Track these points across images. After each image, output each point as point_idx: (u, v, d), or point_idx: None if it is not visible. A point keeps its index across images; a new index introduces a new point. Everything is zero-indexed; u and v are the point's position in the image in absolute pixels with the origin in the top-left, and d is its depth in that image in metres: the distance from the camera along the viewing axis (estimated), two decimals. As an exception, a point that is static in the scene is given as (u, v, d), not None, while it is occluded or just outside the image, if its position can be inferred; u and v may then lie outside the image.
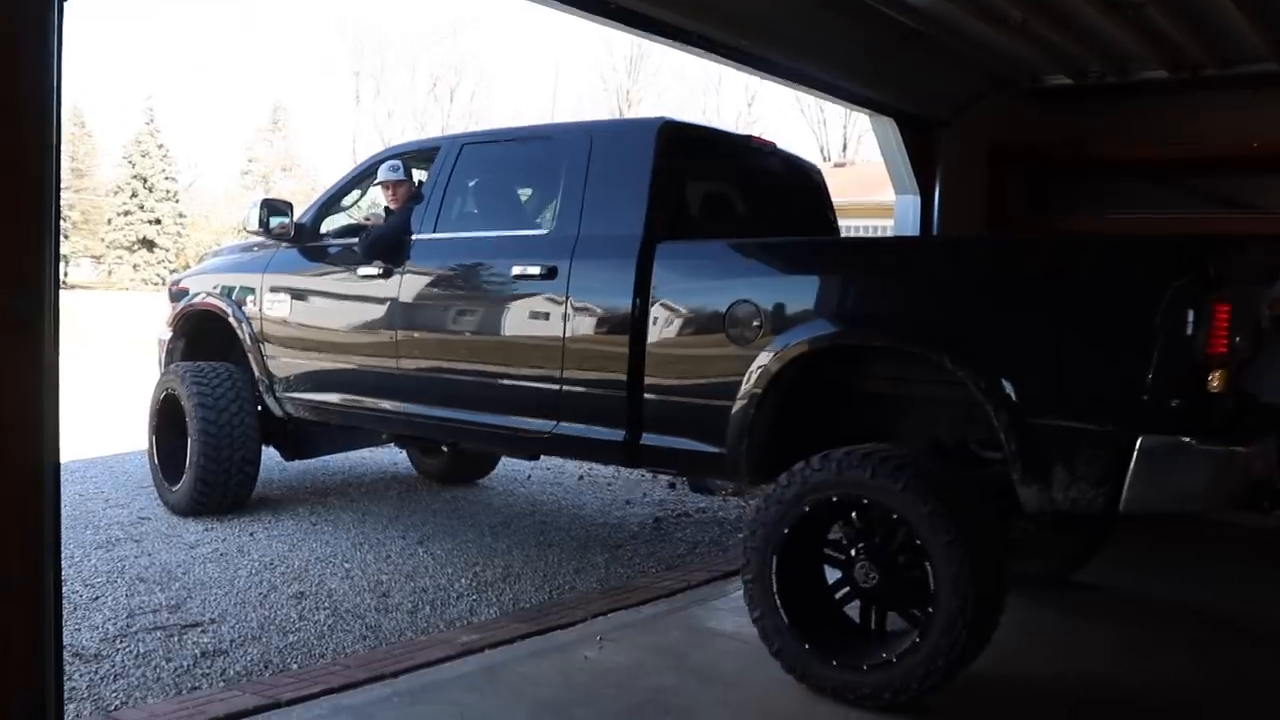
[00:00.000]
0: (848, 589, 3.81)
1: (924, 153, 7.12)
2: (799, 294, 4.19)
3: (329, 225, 6.34)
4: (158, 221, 50.91)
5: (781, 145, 5.55)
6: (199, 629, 4.52)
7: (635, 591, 5.01)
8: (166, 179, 52.01)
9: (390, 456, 8.46)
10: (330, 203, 6.34)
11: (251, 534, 6.07)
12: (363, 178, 6.28)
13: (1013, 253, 3.98)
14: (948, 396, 3.90)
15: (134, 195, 50.90)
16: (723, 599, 4.93)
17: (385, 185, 6.00)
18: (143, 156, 51.22)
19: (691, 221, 4.89)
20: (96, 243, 52.14)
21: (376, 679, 3.84)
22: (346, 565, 5.51)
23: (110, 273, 51.27)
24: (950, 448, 4.11)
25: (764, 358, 4.06)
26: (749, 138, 5.68)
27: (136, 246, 50.78)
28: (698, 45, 5.20)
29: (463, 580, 5.34)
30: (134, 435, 9.23)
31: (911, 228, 7.22)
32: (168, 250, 50.88)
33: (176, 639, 4.39)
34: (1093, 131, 6.98)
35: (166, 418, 6.61)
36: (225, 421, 6.26)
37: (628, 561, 5.87)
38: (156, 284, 50.41)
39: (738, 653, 4.23)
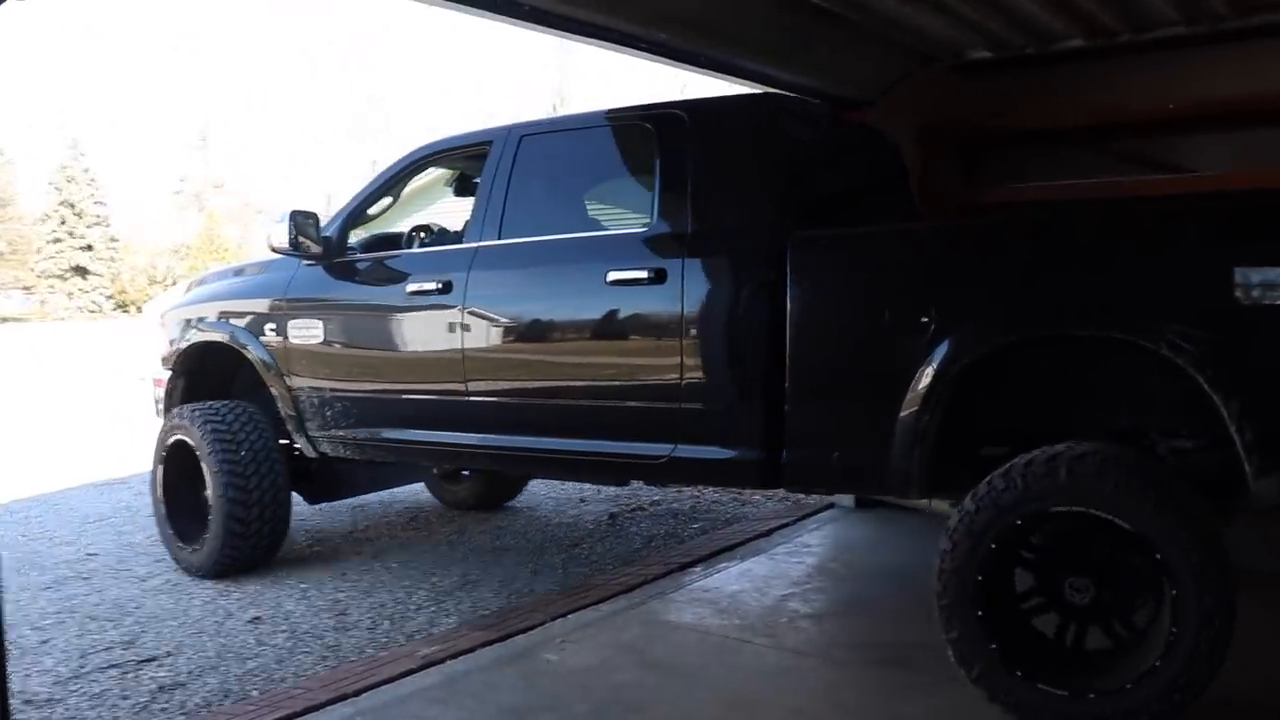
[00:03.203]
0: (1040, 604, 3.50)
1: (854, 134, 7.16)
2: (980, 282, 3.69)
3: (358, 237, 5.65)
4: (89, 248, 50.12)
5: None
6: (155, 663, 4.46)
7: (593, 590, 5.02)
8: (96, 203, 51.12)
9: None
10: (357, 212, 5.57)
11: (204, 561, 5.97)
12: (394, 183, 5.55)
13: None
14: (1136, 385, 3.58)
15: (63, 222, 50.06)
16: (680, 591, 4.96)
17: None
18: (69, 182, 50.35)
19: (813, 207, 4.41)
20: (26, 273, 51.18)
21: (339, 699, 3.83)
22: (302, 585, 5.46)
23: (43, 302, 50.34)
24: (1131, 439, 3.69)
25: (941, 356, 3.58)
26: (838, 112, 5.18)
27: (69, 274, 49.97)
28: (617, 41, 5.16)
29: (421, 591, 5.32)
30: (76, 470, 9.10)
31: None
32: (102, 276, 50.04)
33: (132, 675, 4.32)
34: (1017, 102, 7.05)
35: (175, 469, 5.84)
36: (252, 469, 5.51)
37: (585, 560, 5.87)
38: (94, 311, 49.52)
39: (698, 644, 4.26)
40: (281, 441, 5.73)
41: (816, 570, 5.33)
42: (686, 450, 4.22)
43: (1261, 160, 6.08)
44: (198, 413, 5.68)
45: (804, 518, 6.29)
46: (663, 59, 5.57)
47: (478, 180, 5.14)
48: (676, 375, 4.20)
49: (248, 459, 5.51)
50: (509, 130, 5.04)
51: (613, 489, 7.60)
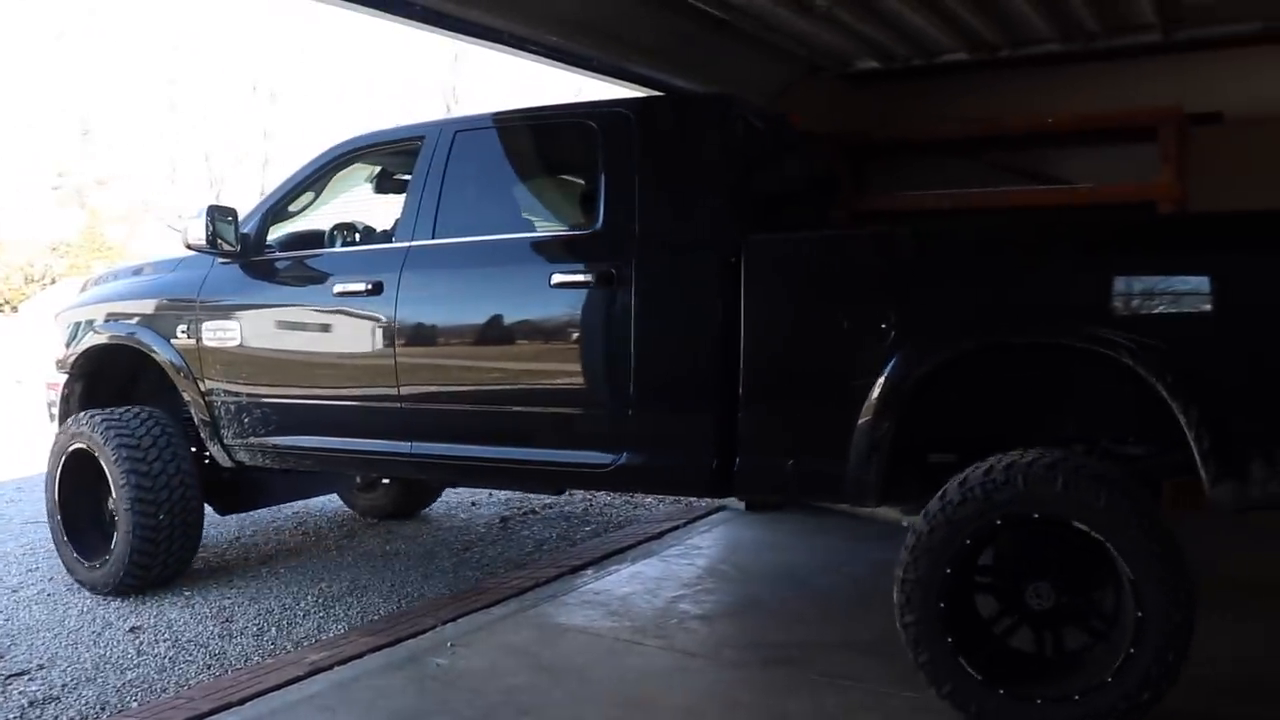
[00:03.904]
0: (1004, 613, 3.49)
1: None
2: (941, 288, 3.67)
3: (275, 235, 5.33)
4: (-39, 246, 47.89)
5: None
6: (25, 677, 4.31)
7: (484, 593, 5.00)
8: (-33, 199, 48.93)
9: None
10: (277, 209, 5.26)
11: (81, 569, 5.78)
12: (317, 178, 5.26)
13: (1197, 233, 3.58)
14: (1091, 391, 3.63)
15: (-69, 219, 47.74)
16: (572, 594, 4.98)
17: None
18: (-63, 177, 48.06)
19: (764, 210, 4.39)
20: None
21: (223, 708, 3.76)
22: (186, 593, 5.33)
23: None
24: (1084, 445, 3.73)
25: (900, 362, 3.57)
26: (785, 115, 5.12)
27: (-61, 274, 47.68)
28: (509, 44, 5.15)
29: (309, 598, 5.24)
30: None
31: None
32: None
33: (1, 690, 4.17)
34: (904, 113, 7.25)
35: (72, 479, 5.50)
36: (163, 480, 5.19)
37: (476, 564, 5.85)
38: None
39: (589, 646, 4.29)
40: (191, 450, 5.45)
41: (707, 572, 5.40)
42: (634, 458, 4.11)
43: (1129, 174, 6.36)
44: (101, 419, 5.33)
45: (695, 520, 6.36)
46: (555, 62, 5.60)
47: (407, 177, 5.00)
48: (625, 381, 4.09)
49: (157, 469, 5.20)
50: (442, 125, 4.86)
51: (504, 493, 7.58)
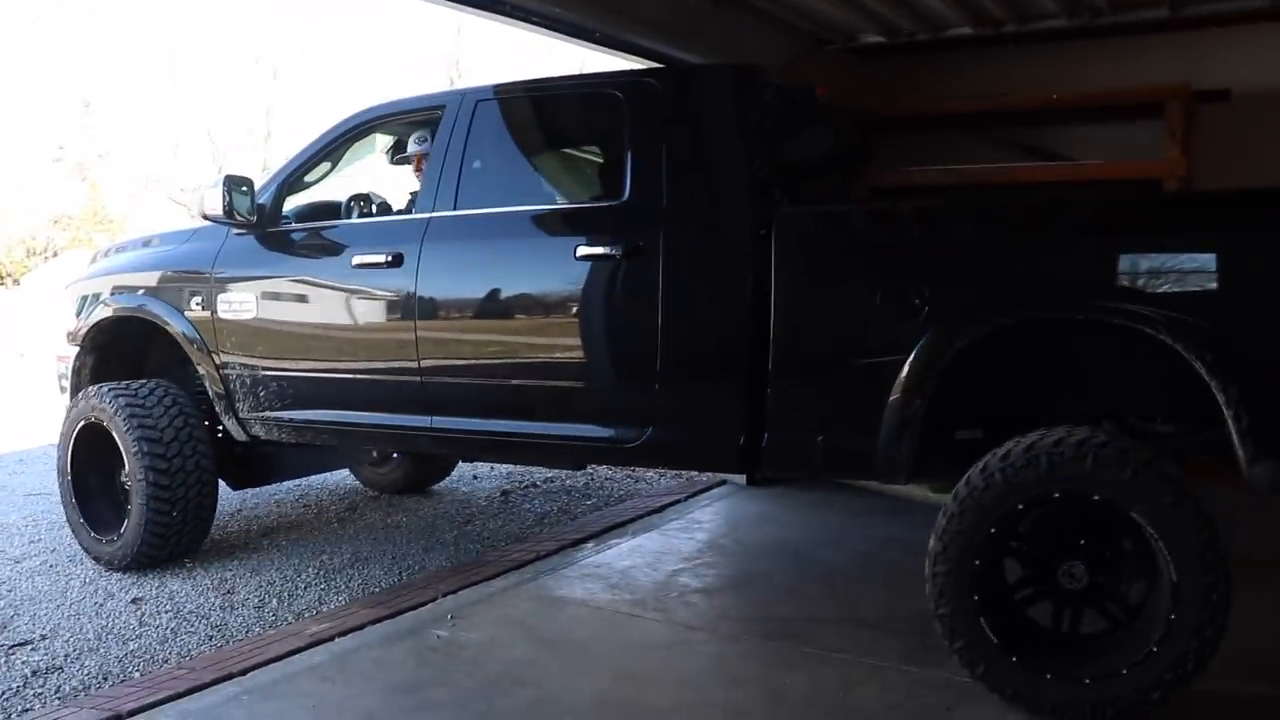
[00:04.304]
0: (1031, 592, 3.46)
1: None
2: (977, 263, 3.63)
3: (290, 206, 5.24)
4: (-38, 218, 47.87)
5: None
6: (29, 647, 4.33)
7: (485, 566, 5.02)
8: (-32, 171, 48.87)
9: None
10: (293, 179, 5.17)
11: (84, 541, 5.79)
12: (333, 148, 5.14)
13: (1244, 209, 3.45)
14: (1120, 368, 3.59)
15: (-68, 191, 47.71)
16: (572, 567, 4.99)
17: (416, 161, 5.11)
18: (-62, 149, 47.98)
19: (790, 183, 4.31)
20: (-106, 246, 48.68)
21: (224, 679, 3.77)
22: (188, 564, 5.34)
23: (-86, 277, 48.00)
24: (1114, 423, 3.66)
25: (935, 338, 3.50)
26: (810, 86, 5.00)
27: (-60, 247, 47.67)
28: (510, 15, 5.11)
29: (310, 569, 5.25)
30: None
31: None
32: (-23, 248, 47.89)
33: (4, 660, 4.19)
34: (909, 88, 7.22)
35: (85, 454, 5.45)
36: (176, 452, 5.13)
37: (477, 537, 5.86)
38: (-32, 285, 47.32)
39: (588, 619, 4.30)
40: (205, 424, 5.38)
41: (708, 546, 5.41)
42: (659, 433, 4.07)
43: (1134, 151, 6.33)
44: (115, 393, 5.25)
45: (697, 494, 6.37)
46: (556, 34, 5.56)
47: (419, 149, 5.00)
48: (651, 355, 4.03)
49: (172, 443, 5.14)
50: (464, 95, 4.76)
51: (505, 466, 7.58)
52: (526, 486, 7.07)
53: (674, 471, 6.81)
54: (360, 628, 4.22)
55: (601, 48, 5.92)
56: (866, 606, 4.36)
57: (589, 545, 5.36)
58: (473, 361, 4.51)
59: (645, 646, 4.03)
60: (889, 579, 4.73)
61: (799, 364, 3.82)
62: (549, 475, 7.31)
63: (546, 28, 5.42)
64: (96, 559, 5.39)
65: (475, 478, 7.36)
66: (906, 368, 3.53)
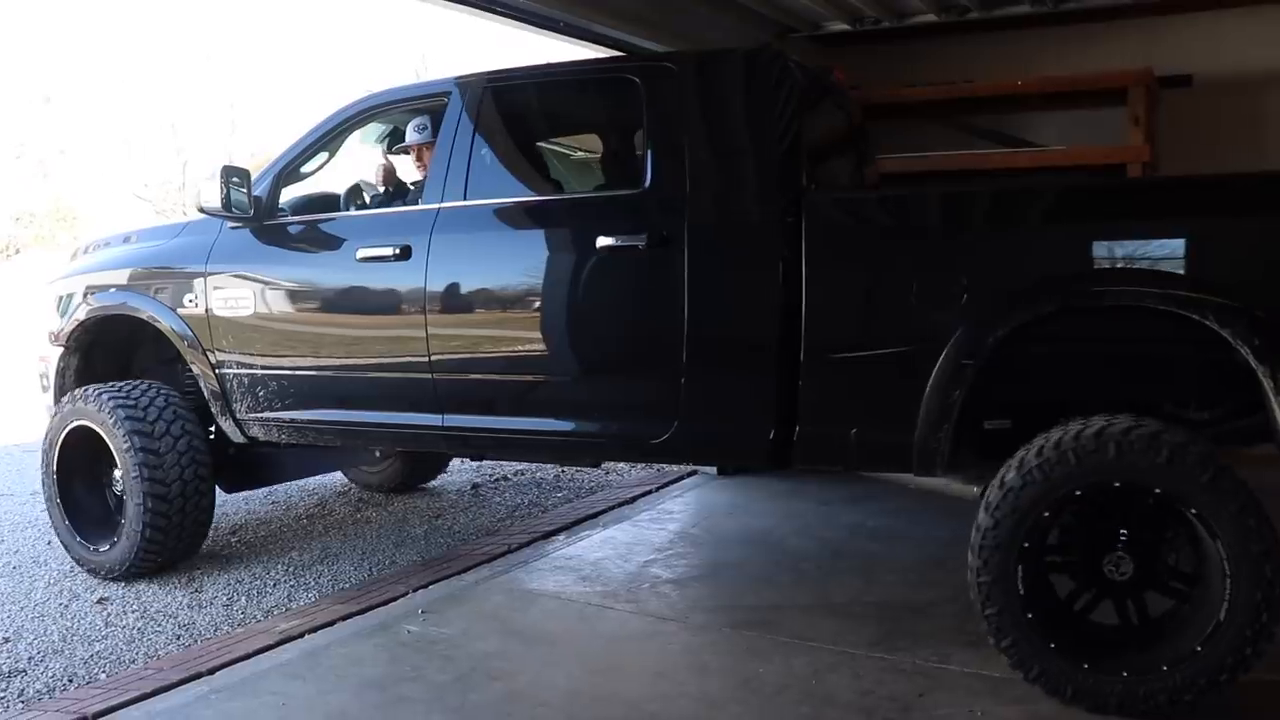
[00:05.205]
0: (1080, 586, 3.35)
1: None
2: (1020, 248, 3.52)
3: (286, 198, 5.03)
4: (-79, 216, 47.13)
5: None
6: (-8, 649, 4.27)
7: (456, 560, 4.99)
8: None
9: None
10: (289, 170, 4.94)
11: (49, 542, 5.70)
12: (331, 137, 4.93)
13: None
14: (1156, 356, 3.49)
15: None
16: (543, 560, 4.98)
17: (416, 151, 4.99)
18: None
19: (814, 168, 4.15)
20: None
21: (193, 678, 3.73)
22: (154, 564, 5.28)
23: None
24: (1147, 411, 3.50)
25: (975, 326, 3.40)
26: (829, 69, 4.90)
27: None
28: (474, 5, 5.08)
29: (279, 566, 5.21)
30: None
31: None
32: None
33: (-33, 663, 4.14)
34: (874, 76, 7.23)
35: (73, 459, 5.22)
36: (173, 457, 4.91)
37: (447, 531, 5.83)
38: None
39: (560, 611, 4.29)
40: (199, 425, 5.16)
41: (679, 536, 5.41)
42: (686, 428, 3.94)
43: (1099, 136, 6.37)
44: (105, 395, 5.02)
45: (668, 485, 6.37)
46: (521, 24, 5.53)
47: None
48: (677, 348, 3.89)
49: (167, 446, 4.92)
50: (470, 81, 4.56)
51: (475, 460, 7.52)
52: (497, 479, 7.05)
53: (644, 464, 6.80)
54: (330, 624, 4.18)
55: (566, 37, 5.89)
56: (837, 594, 4.37)
57: (560, 537, 5.34)
58: (487, 357, 4.37)
59: (618, 638, 4.02)
60: (859, 567, 4.74)
61: (830, 355, 3.68)
62: (519, 468, 7.29)
63: (511, 18, 5.39)
64: (90, 570, 5.16)
65: (445, 471, 7.32)
66: (944, 357, 3.42)
